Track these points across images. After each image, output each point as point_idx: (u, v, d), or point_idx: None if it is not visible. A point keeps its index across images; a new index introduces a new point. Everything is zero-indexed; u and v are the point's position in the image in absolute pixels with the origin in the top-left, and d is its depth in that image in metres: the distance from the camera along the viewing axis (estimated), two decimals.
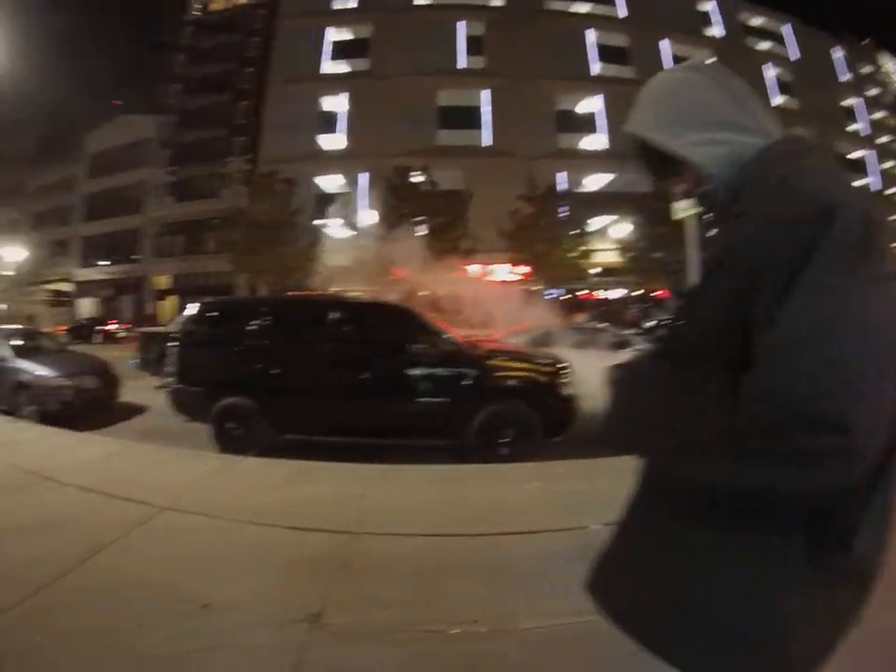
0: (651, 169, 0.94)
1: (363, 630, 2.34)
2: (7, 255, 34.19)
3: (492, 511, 3.63)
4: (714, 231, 0.88)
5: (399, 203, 23.92)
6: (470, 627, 2.32)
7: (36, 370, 7.78)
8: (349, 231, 25.42)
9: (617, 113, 31.14)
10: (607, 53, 34.14)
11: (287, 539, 3.27)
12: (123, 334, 26.20)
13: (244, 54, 33.16)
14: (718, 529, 0.76)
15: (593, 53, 34.17)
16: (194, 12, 37.37)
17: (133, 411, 8.43)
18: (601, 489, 3.70)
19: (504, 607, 2.45)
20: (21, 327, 11.64)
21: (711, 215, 0.88)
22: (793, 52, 38.99)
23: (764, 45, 38.13)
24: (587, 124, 32.39)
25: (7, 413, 7.57)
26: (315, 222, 24.95)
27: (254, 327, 5.91)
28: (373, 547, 3.15)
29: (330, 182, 29.78)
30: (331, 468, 4.78)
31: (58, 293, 34.97)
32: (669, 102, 0.87)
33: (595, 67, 33.90)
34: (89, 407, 7.75)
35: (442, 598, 2.55)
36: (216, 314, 6.57)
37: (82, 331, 27.10)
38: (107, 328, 28.17)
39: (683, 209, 5.67)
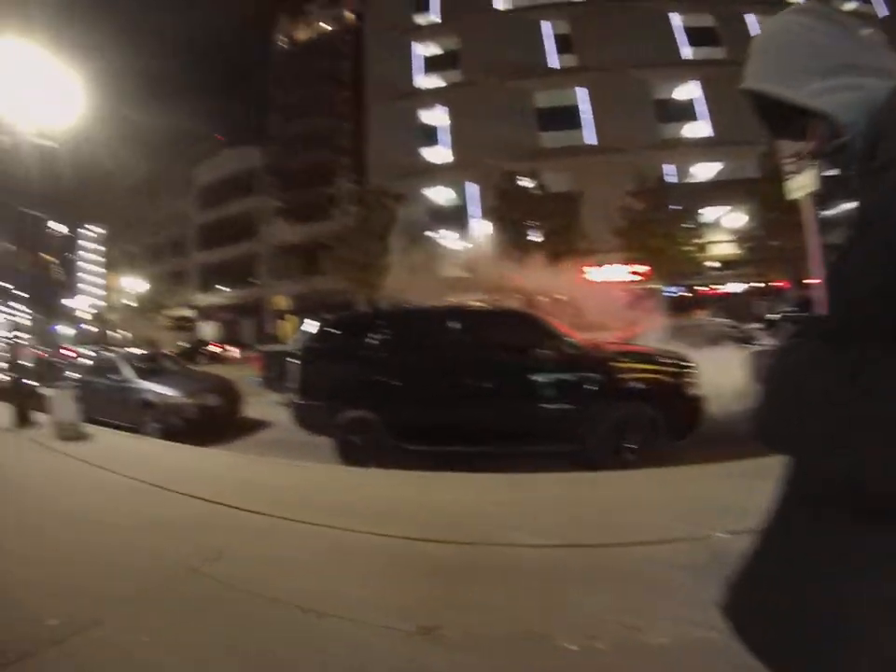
0: (774, 128, 0.85)
1: (476, 643, 2.27)
2: (128, 286, 37.05)
3: (618, 519, 3.53)
4: (851, 191, 0.72)
5: (510, 209, 23.68)
6: (589, 643, 2.21)
7: (159, 389, 8.19)
8: (462, 242, 25.48)
9: (715, 97, 29.69)
10: (695, 35, 32.57)
11: (407, 549, 3.27)
12: (225, 354, 27.36)
13: (337, 78, 34.20)
14: None
15: (681, 38, 32.72)
16: (280, 43, 39.02)
17: (256, 426, 8.69)
18: (729, 494, 3.63)
19: (625, 621, 2.34)
20: (144, 350, 12.48)
21: (845, 172, 0.75)
22: (881, 10, 35.97)
23: (850, 5, 35.38)
24: (687, 111, 31.00)
25: (133, 430, 8.01)
26: (428, 235, 25.13)
27: (373, 340, 5.96)
28: (496, 557, 3.11)
29: (439, 194, 30.00)
30: (455, 477, 4.78)
31: (180, 318, 37.35)
32: (786, 49, 0.78)
33: (686, 52, 32.43)
34: (211, 423, 8.02)
35: (563, 612, 2.47)
36: (334, 329, 6.67)
37: (189, 354, 28.41)
38: (210, 349, 29.51)
39: (798, 188, 5.20)
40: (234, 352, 27.04)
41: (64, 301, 69.23)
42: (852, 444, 0.62)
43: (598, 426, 5.15)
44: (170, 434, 7.55)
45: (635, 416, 5.18)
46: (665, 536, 3.19)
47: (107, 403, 8.69)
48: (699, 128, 30.65)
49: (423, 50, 32.62)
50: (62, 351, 27.82)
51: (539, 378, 5.37)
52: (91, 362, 10.59)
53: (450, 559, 3.07)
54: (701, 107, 30.89)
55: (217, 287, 36.82)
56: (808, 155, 0.81)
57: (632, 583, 2.70)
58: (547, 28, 31.85)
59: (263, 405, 9.45)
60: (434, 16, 33.82)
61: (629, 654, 2.12)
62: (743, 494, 3.30)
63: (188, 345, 31.60)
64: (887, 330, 0.61)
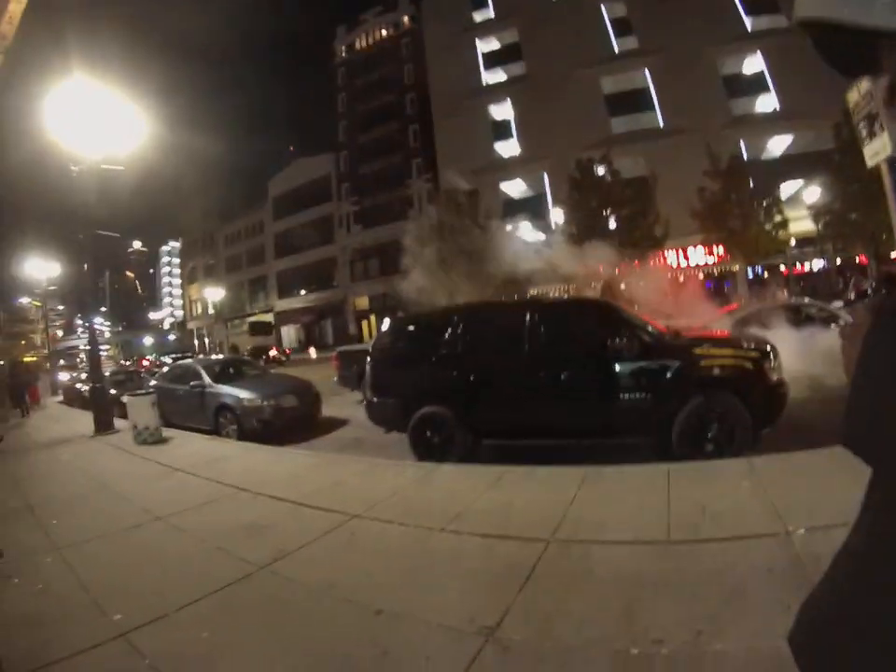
0: (844, 65, 0.65)
1: (537, 646, 2.19)
2: (207, 295, 39.47)
3: (696, 515, 3.31)
4: None
5: (585, 198, 23.87)
6: (652, 648, 2.09)
7: (236, 392, 8.42)
8: (540, 234, 25.89)
9: (781, 66, 28.66)
10: (755, 4, 31.45)
11: (479, 547, 3.15)
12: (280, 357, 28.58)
13: (402, 82, 35.25)
14: None
15: (741, 8, 31.68)
16: (343, 55, 40.47)
17: (335, 425, 8.78)
18: (817, 486, 3.44)
19: (694, 625, 2.19)
20: (222, 356, 13.07)
21: None
22: None
23: None
24: (757, 84, 30.04)
25: (210, 433, 8.30)
26: (506, 228, 25.64)
27: (447, 336, 5.89)
28: (569, 556, 2.96)
29: (515, 187, 30.41)
30: (532, 472, 4.57)
31: (260, 324, 39.55)
32: None
33: (748, 23, 31.39)
34: (289, 424, 8.15)
35: (631, 614, 2.33)
36: (407, 327, 6.70)
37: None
38: (270, 353, 30.62)
39: (875, 153, 4.91)
40: (311, 353, 28.38)
41: (150, 315, 74.17)
42: None
43: (679, 416, 4.93)
44: (248, 435, 7.76)
45: (716, 405, 4.93)
46: (749, 531, 3.01)
47: (187, 408, 9.09)
48: (770, 101, 29.71)
49: (483, 47, 33.14)
50: (144, 361, 29.68)
51: (617, 368, 5.21)
52: (171, 369, 10.88)
53: (523, 557, 2.96)
54: (770, 79, 29.92)
55: (298, 291, 38.65)
56: (888, 92, 0.62)
57: (709, 584, 2.52)
58: (604, 12, 31.65)
59: (344, 404, 9.84)
60: (491, 12, 34.29)
61: (690, 662, 2.02)
62: (831, 485, 3.22)
63: (244, 351, 32.88)
64: None
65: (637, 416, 5.15)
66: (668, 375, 5.11)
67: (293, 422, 8.27)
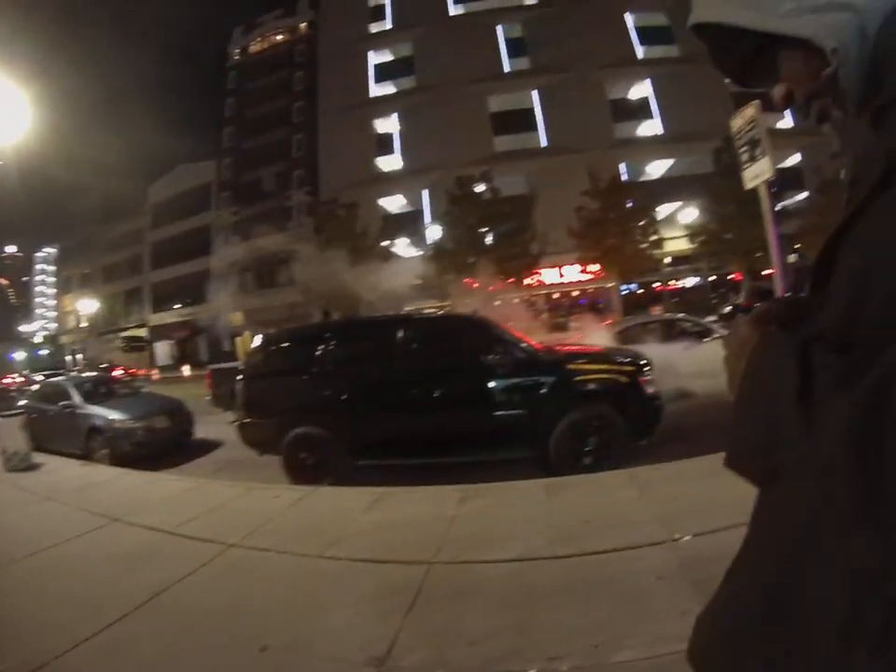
0: (737, 71, 0.67)
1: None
2: (82, 307, 36.11)
3: (582, 528, 3.35)
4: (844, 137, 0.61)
5: (464, 214, 23.54)
6: (551, 665, 2.06)
7: (107, 413, 7.96)
8: (417, 249, 25.22)
9: (668, 94, 30.05)
10: (649, 34, 32.94)
11: (361, 573, 3.09)
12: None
13: (292, 89, 33.91)
14: None
15: (635, 37, 33.05)
16: (237, 57, 38.64)
17: (209, 446, 8.49)
18: (699, 493, 3.50)
19: (591, 638, 2.18)
20: (93, 374, 12.23)
21: (836, 111, 0.59)
22: None
23: None
24: (642, 110, 31.26)
25: (82, 457, 7.78)
26: (383, 243, 24.81)
27: (319, 353, 5.75)
28: (454, 576, 2.93)
29: (394, 202, 29.71)
30: (411, 492, 4.58)
31: (134, 339, 36.47)
32: None
33: (640, 51, 32.74)
34: (162, 446, 7.91)
35: (525, 631, 2.31)
36: (279, 344, 6.48)
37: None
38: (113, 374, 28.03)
39: (754, 177, 5.16)
40: (184, 370, 26.27)
41: (20, 327, 67.09)
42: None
43: (556, 430, 4.96)
44: (120, 459, 7.37)
45: (592, 418, 5.02)
46: (635, 541, 3.03)
47: (57, 430, 8.57)
48: (654, 126, 30.91)
49: (376, 58, 32.51)
50: (8, 379, 26.77)
51: (492, 384, 5.20)
52: (41, 388, 10.27)
53: (406, 580, 2.90)
54: (655, 105, 31.18)
55: (172, 305, 36.05)
56: (783, 100, 0.64)
57: (601, 595, 2.53)
58: (500, 32, 31.97)
59: (217, 424, 9.19)
60: (388, 23, 33.80)
61: None
62: (712, 491, 3.34)
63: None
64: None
65: (514, 432, 5.14)
66: (543, 390, 5.16)
67: (166, 444, 8.05)
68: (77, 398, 8.54)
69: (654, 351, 6.31)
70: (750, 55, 0.63)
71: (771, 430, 0.51)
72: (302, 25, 36.87)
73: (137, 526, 4.28)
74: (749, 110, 5.19)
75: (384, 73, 32.07)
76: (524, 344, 5.57)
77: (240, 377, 6.12)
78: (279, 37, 37.44)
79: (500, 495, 4.25)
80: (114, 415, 7.91)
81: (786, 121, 31.03)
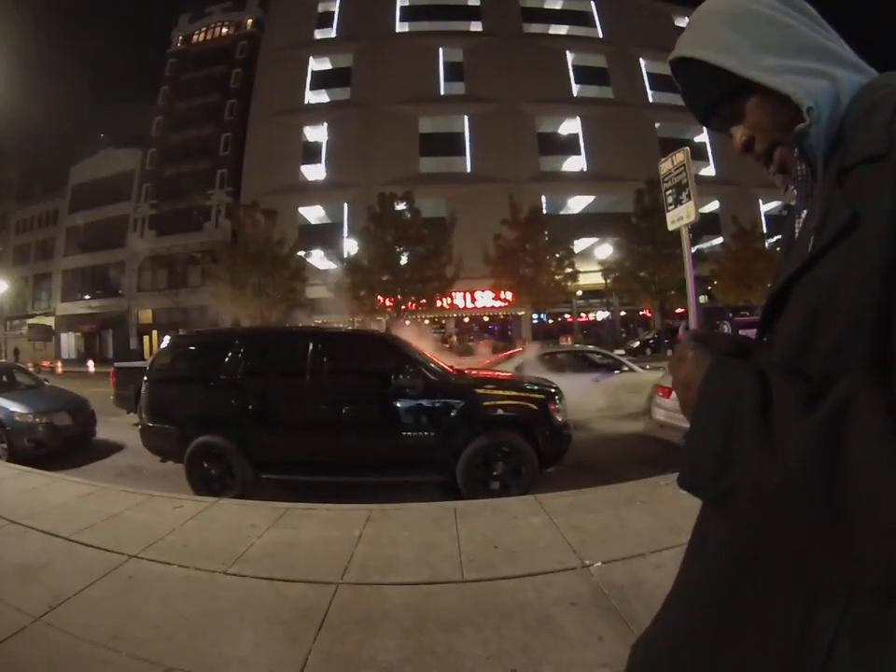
0: (702, 111, 0.72)
1: None
2: None
3: (490, 553, 3.33)
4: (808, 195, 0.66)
5: (382, 232, 23.92)
6: None
7: (8, 405, 7.54)
8: (332, 263, 25.39)
9: (597, 133, 31.66)
10: (586, 74, 34.53)
11: (266, 592, 2.99)
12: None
13: (227, 86, 33.31)
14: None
15: (572, 75, 34.54)
16: (179, 44, 37.60)
17: (111, 449, 8.15)
18: (606, 521, 3.70)
19: (506, 664, 2.18)
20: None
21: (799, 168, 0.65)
22: None
23: None
24: (569, 146, 32.66)
25: None
26: (299, 253, 24.82)
27: (227, 360, 5.59)
28: (362, 599, 2.86)
29: (314, 213, 29.72)
30: (315, 509, 4.46)
31: (40, 327, 34.61)
32: (741, 20, 0.65)
33: (575, 89, 34.24)
34: (63, 445, 7.54)
35: (437, 658, 2.28)
36: (187, 347, 6.34)
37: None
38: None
39: (677, 219, 5.48)
40: (89, 366, 25.33)
41: None
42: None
43: (462, 454, 4.95)
44: (19, 456, 6.98)
45: (500, 444, 5.01)
46: (545, 567, 3.01)
47: None
48: (579, 162, 32.39)
49: (315, 65, 32.52)
50: None
51: (400, 404, 5.15)
52: None
53: (314, 602, 2.79)
54: (583, 142, 32.62)
55: (82, 295, 34.48)
56: (743, 145, 0.69)
57: (513, 621, 2.48)
58: (441, 55, 32.67)
59: (121, 426, 8.91)
60: (333, 31, 33.87)
61: None
62: (620, 519, 3.66)
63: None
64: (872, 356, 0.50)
65: (421, 454, 5.11)
66: (452, 413, 5.14)
67: (67, 442, 7.64)
68: None
69: (561, 381, 6.43)
70: (719, 98, 0.68)
71: (727, 449, 0.52)
72: (249, 21, 36.31)
73: (35, 531, 4.05)
74: (679, 155, 5.42)
75: (320, 80, 32.06)
76: (434, 366, 5.55)
77: (145, 378, 5.91)
78: (224, 31, 36.68)
79: (408, 516, 4.18)
80: (15, 408, 7.49)
81: (709, 169, 33.52)
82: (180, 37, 38.03)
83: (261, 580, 3.14)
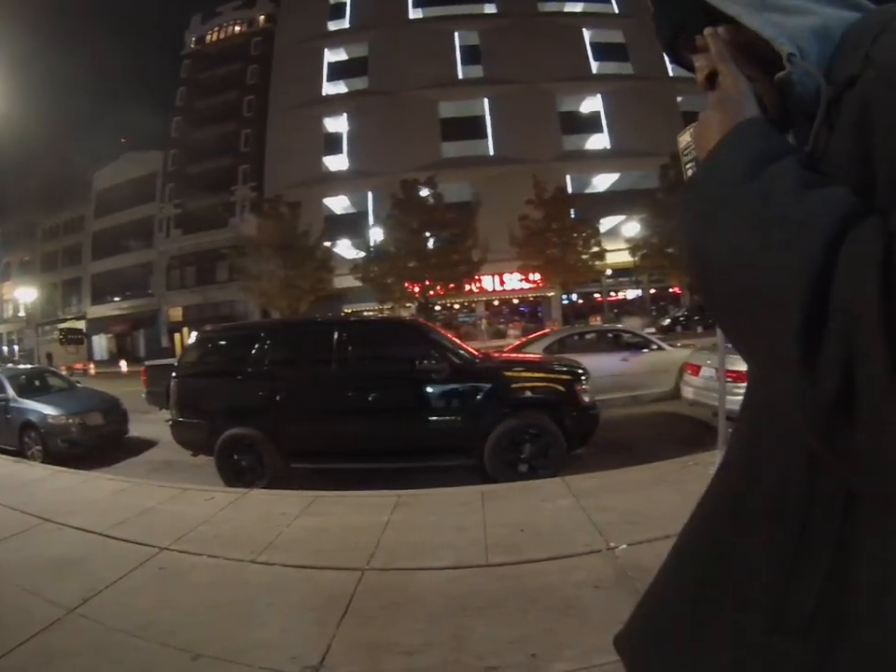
0: (671, 41, 0.67)
1: None
2: (20, 296, 34.68)
3: (517, 536, 3.32)
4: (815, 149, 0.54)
5: (407, 218, 23.67)
6: None
7: (41, 408, 7.78)
8: (359, 252, 25.23)
9: (619, 109, 30.92)
10: (604, 50, 33.70)
11: (293, 578, 3.03)
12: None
13: (244, 83, 33.38)
14: None
15: (590, 52, 33.79)
16: (192, 45, 37.79)
17: (144, 446, 8.37)
18: (633, 502, 3.62)
19: (528, 647, 2.16)
20: (27, 366, 11.79)
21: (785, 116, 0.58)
22: None
23: None
24: (591, 124, 31.99)
25: (14, 453, 7.52)
26: (325, 244, 24.72)
27: (255, 352, 5.64)
28: (388, 584, 2.88)
29: (339, 203, 29.62)
30: (344, 497, 4.51)
31: (72, 331, 35.25)
32: None
33: (594, 66, 33.50)
34: (96, 444, 7.75)
35: (460, 641, 2.28)
36: (214, 342, 6.41)
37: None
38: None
39: None
40: (122, 366, 25.61)
41: None
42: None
43: (490, 437, 4.95)
44: (53, 457, 7.20)
45: (527, 426, 5.02)
46: (571, 550, 3.02)
47: None
48: (602, 140, 31.70)
49: (331, 56, 32.36)
50: None
51: (428, 389, 5.18)
52: None
53: (340, 588, 2.82)
54: (605, 120, 31.94)
55: (111, 297, 35.01)
56: (706, 80, 0.61)
57: (537, 604, 2.50)
58: (457, 39, 32.24)
59: (153, 423, 8.98)
60: (346, 22, 33.67)
61: None
62: (647, 501, 3.60)
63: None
64: None
65: (449, 438, 5.13)
66: (479, 397, 5.13)
67: (100, 442, 7.88)
68: (10, 391, 8.25)
69: (591, 362, 6.38)
70: (691, 29, 0.62)
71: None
72: (261, 18, 36.30)
73: (70, 527, 4.16)
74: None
75: (337, 72, 31.92)
76: (461, 351, 5.56)
77: (174, 375, 6.00)
78: (237, 28, 36.74)
79: (435, 501, 4.20)
80: (48, 410, 7.71)
81: None
82: (193, 39, 38.27)
83: (289, 567, 3.18)
